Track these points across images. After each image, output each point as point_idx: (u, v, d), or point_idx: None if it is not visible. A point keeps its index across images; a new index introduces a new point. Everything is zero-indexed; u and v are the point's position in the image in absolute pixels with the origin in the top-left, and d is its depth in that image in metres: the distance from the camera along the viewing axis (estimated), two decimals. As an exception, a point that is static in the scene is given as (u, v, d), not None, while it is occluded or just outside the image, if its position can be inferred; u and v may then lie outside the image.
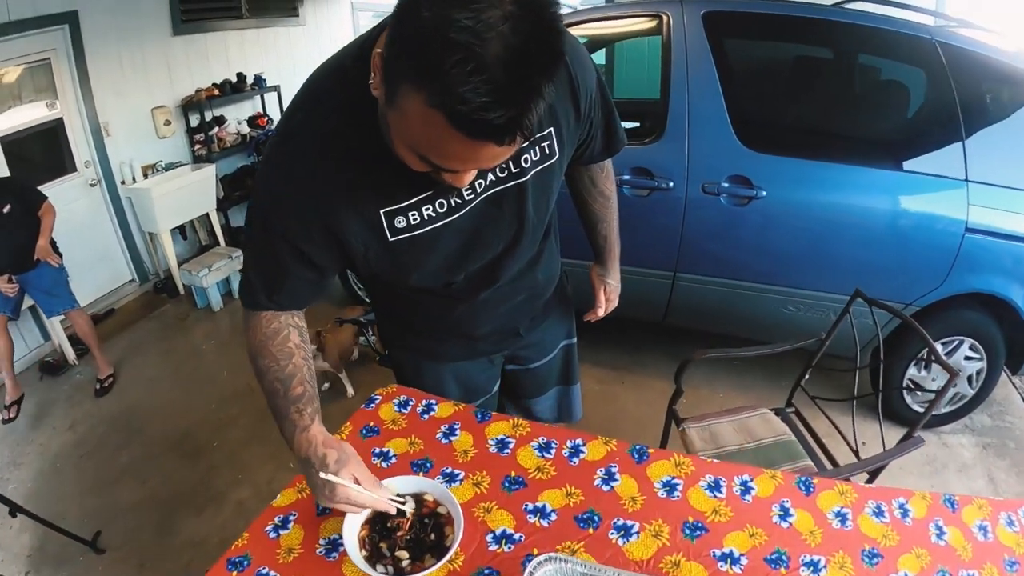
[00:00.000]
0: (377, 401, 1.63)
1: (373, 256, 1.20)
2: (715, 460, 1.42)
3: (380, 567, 1.15)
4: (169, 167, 5.55)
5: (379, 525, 1.22)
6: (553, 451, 1.44)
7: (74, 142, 4.94)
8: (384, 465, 1.44)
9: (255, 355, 1.25)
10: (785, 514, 1.27)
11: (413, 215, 1.15)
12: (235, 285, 5.18)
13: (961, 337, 2.97)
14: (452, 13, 0.73)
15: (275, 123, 6.37)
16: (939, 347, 2.91)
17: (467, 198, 1.19)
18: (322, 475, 1.10)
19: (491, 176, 1.19)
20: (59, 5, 4.56)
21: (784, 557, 1.18)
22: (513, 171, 1.21)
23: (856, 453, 2.13)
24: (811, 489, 1.33)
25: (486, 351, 1.69)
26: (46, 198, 3.96)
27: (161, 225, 5.17)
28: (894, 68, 3.06)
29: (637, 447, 1.44)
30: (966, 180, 2.70)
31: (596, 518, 1.27)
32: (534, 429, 1.51)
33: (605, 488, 1.34)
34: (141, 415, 3.80)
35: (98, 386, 4.10)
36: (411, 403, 1.61)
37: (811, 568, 1.16)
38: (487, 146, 0.82)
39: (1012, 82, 2.76)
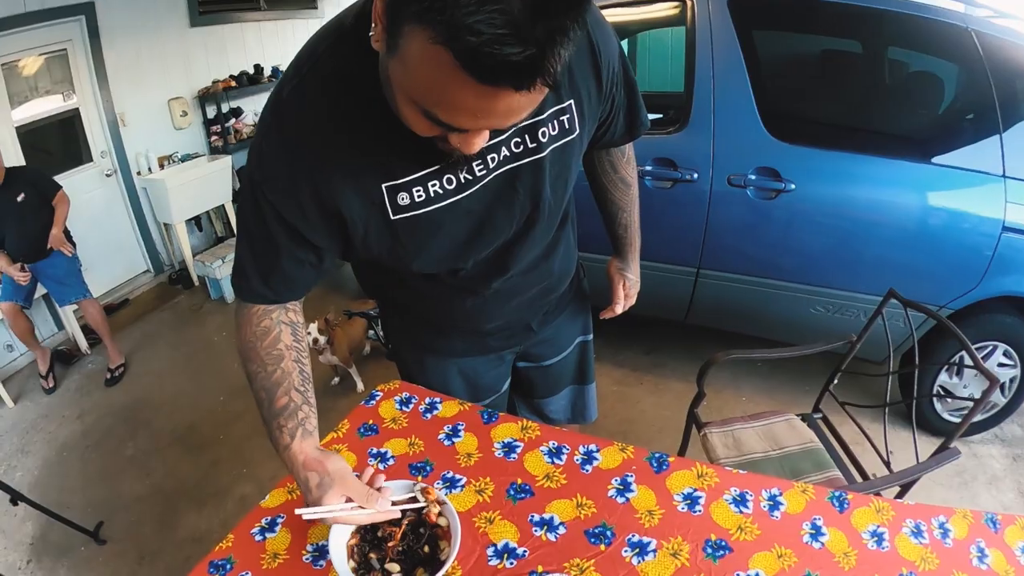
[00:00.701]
0: (378, 398, 1.51)
1: (373, 237, 1.08)
2: (740, 471, 1.28)
3: None
4: (185, 158, 5.50)
5: (370, 534, 1.10)
6: (564, 457, 1.31)
7: (90, 132, 4.90)
8: (381, 467, 1.32)
9: (243, 357, 1.14)
10: (817, 533, 1.14)
11: (418, 191, 1.03)
12: (250, 277, 5.10)
13: (995, 343, 2.78)
14: None
15: None
16: (957, 359, 2.75)
17: (478, 174, 1.06)
18: (298, 512, 1.04)
19: (505, 151, 1.07)
20: (75, -5, 4.49)
21: (815, 581, 1.04)
22: (529, 146, 1.08)
23: (887, 464, 1.98)
24: (845, 505, 1.19)
25: (496, 347, 1.56)
26: (61, 187, 3.95)
27: (176, 216, 5.11)
28: (927, 58, 2.90)
29: (656, 455, 1.30)
30: (1004, 176, 2.51)
31: (609, 533, 1.14)
32: (544, 432, 1.38)
33: (620, 500, 1.21)
34: (149, 407, 3.75)
35: (108, 376, 4.06)
36: (413, 401, 1.49)
37: (845, 595, 1.02)
38: (501, 94, 0.70)
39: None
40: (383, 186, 1.02)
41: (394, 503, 1.08)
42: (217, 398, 3.70)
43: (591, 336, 1.79)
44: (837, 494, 1.21)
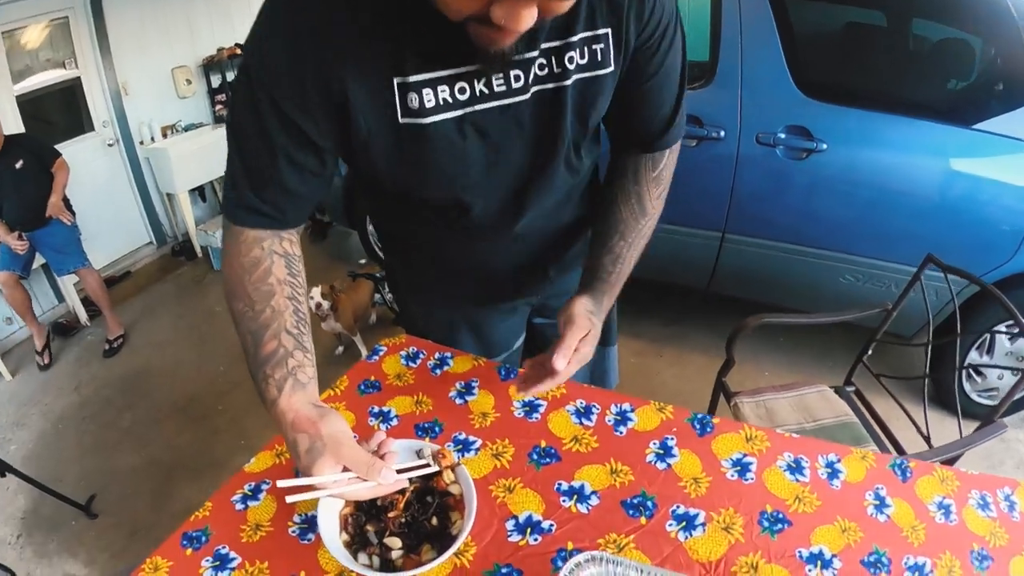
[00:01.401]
0: (381, 353, 1.32)
1: (377, 142, 0.92)
2: (793, 435, 1.09)
3: (363, 556, 0.85)
4: (189, 127, 5.32)
5: (367, 502, 0.90)
6: (594, 417, 1.12)
7: (92, 102, 4.73)
8: (383, 427, 1.13)
9: (229, 295, 0.96)
10: (881, 504, 0.96)
11: (428, 94, 0.88)
12: (254, 247, 4.96)
13: None
14: None
15: None
16: (1004, 328, 2.53)
17: (496, 89, 0.91)
18: (280, 484, 0.82)
19: (528, 73, 0.92)
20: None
21: (884, 560, 0.88)
22: (555, 70, 0.94)
23: (927, 439, 1.82)
24: (908, 474, 1.02)
25: (509, 295, 1.36)
26: (60, 154, 3.84)
27: (179, 186, 4.95)
28: (965, 19, 2.67)
29: (698, 416, 1.12)
30: None
31: (649, 504, 0.95)
32: (570, 390, 1.18)
33: (660, 465, 1.02)
34: (148, 377, 3.63)
35: (107, 347, 3.94)
36: (421, 356, 1.30)
37: (916, 574, 0.86)
38: None
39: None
40: (395, 81, 0.87)
41: (399, 471, 0.86)
42: (217, 368, 3.56)
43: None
44: (899, 461, 1.04)
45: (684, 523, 0.92)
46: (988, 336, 2.61)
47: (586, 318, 1.07)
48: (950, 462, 1.65)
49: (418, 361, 1.28)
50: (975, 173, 2.45)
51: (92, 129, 4.77)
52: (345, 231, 4.86)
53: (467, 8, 0.72)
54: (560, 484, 0.99)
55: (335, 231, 5.13)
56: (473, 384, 1.20)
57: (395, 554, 0.85)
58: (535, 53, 0.91)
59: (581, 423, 1.10)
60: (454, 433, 1.10)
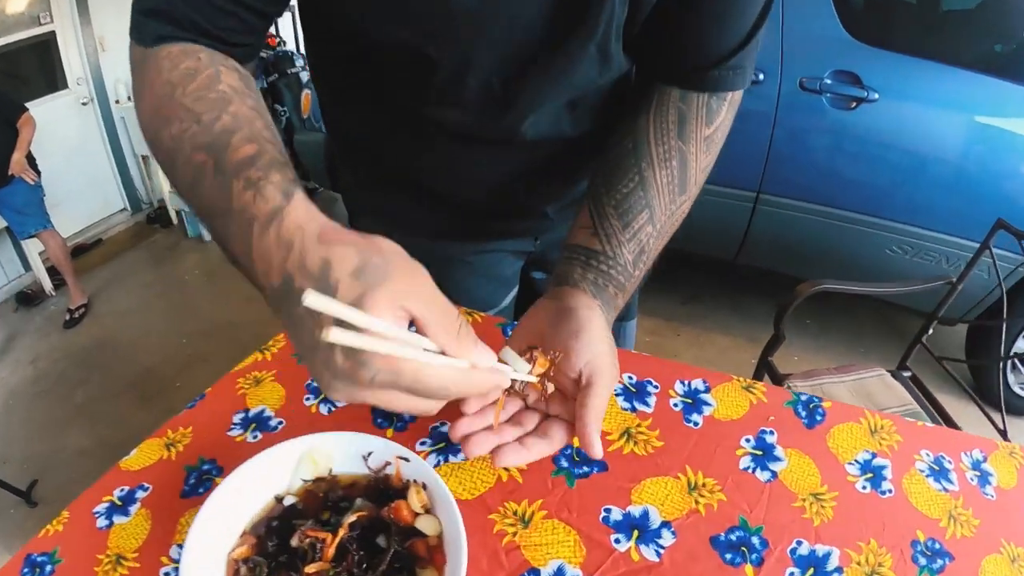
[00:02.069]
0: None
1: None
2: (923, 423, 0.71)
3: None
4: (168, 86, 4.91)
5: (276, 537, 0.51)
6: (652, 400, 0.72)
7: (66, 58, 4.37)
8: (323, 409, 0.75)
9: (153, 126, 0.57)
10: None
11: None
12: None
13: None
14: None
15: (286, 45, 5.88)
16: None
17: None
18: (310, 301, 0.38)
19: None
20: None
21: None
22: None
23: (1003, 434, 1.56)
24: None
25: (493, 232, 0.99)
26: (26, 109, 3.53)
27: (154, 147, 4.54)
28: None
29: (802, 397, 0.73)
30: None
31: (756, 540, 0.57)
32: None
33: (762, 476, 0.64)
34: (107, 349, 3.33)
35: (68, 317, 3.62)
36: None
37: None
38: None
39: None
40: None
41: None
42: (180, 340, 3.26)
43: None
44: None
45: (812, 569, 0.55)
46: None
47: (613, 362, 0.60)
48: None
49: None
50: None
51: (66, 87, 4.41)
52: (331, 197, 4.51)
53: None
54: (609, 511, 0.60)
55: (320, 197, 4.76)
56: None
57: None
58: None
59: (634, 408, 0.72)
60: (431, 424, 0.71)
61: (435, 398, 0.44)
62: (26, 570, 0.60)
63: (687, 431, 0.68)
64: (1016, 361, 2.44)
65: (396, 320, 0.41)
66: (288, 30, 5.93)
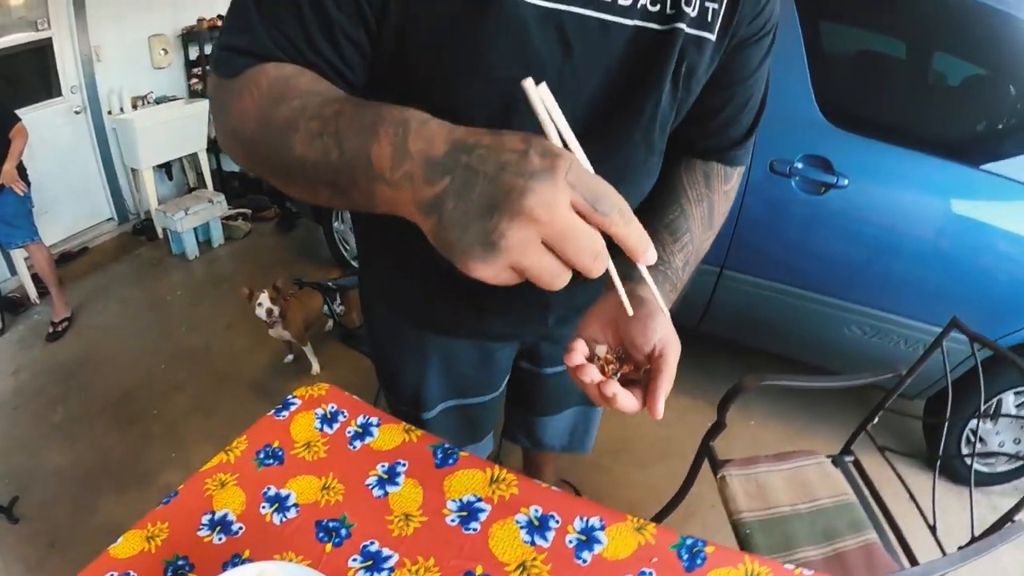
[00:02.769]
0: (293, 408, 1.04)
1: (428, 10, 0.68)
2: (806, 571, 0.81)
3: None
4: (161, 100, 5.03)
5: None
6: (551, 535, 0.84)
7: (62, 65, 4.45)
8: (276, 519, 0.86)
9: (268, 109, 0.63)
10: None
11: None
12: (215, 233, 4.69)
13: None
14: None
15: None
16: (1011, 396, 2.40)
17: None
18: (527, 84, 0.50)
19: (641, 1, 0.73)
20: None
21: None
22: (667, 11, 0.75)
23: (933, 529, 1.61)
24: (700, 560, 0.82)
25: (496, 333, 1.14)
26: (19, 119, 3.55)
27: (144, 161, 4.64)
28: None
29: (687, 541, 0.84)
30: None
31: None
32: (524, 490, 0.90)
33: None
34: (88, 367, 3.36)
35: (51, 330, 3.66)
36: (341, 418, 1.02)
37: None
38: None
39: None
40: None
41: None
42: (158, 364, 3.30)
43: None
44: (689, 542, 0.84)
45: None
46: (994, 402, 2.42)
47: (677, 339, 0.73)
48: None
49: (335, 426, 1.01)
50: (1009, 228, 2.25)
51: (59, 94, 4.49)
52: (313, 227, 4.55)
53: None
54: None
55: (303, 222, 4.84)
56: (399, 468, 0.93)
57: None
58: None
59: (533, 542, 0.83)
60: (363, 542, 0.82)
61: (588, 248, 0.49)
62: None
63: (576, 568, 0.79)
64: (970, 434, 2.48)
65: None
66: None
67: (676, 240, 0.88)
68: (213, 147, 5.31)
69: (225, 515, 0.87)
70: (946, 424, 1.75)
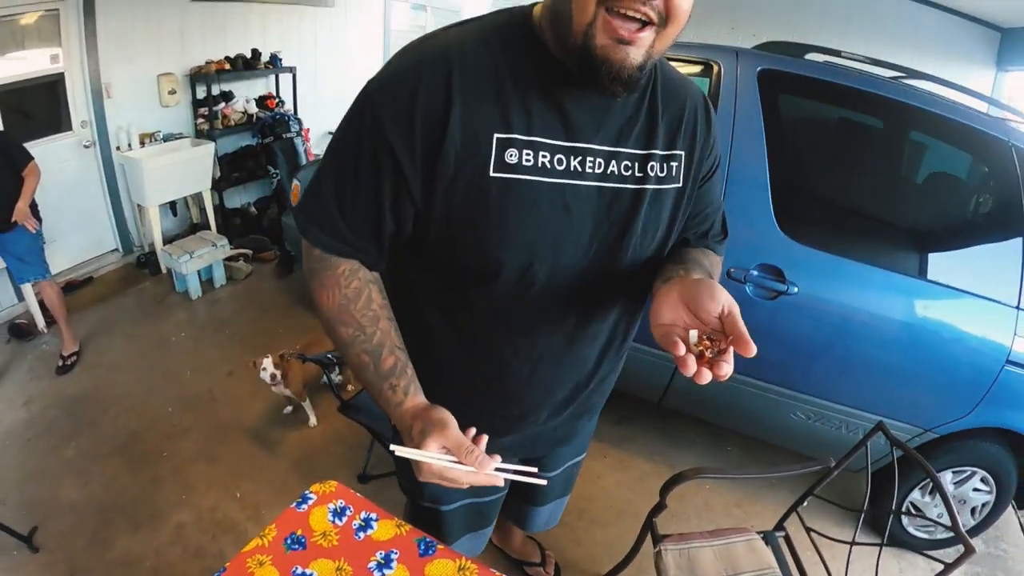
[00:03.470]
0: (310, 502, 1.41)
1: (461, 186, 1.03)
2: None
3: None
4: (168, 138, 5.34)
5: None
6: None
7: (73, 100, 4.76)
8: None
9: (334, 321, 1.14)
10: None
11: (528, 155, 1.03)
12: (217, 274, 5.00)
13: (974, 468, 2.70)
14: None
15: (285, 105, 6.29)
16: (949, 475, 2.71)
17: (587, 169, 1.08)
18: (393, 448, 1.04)
19: (614, 168, 1.10)
20: (73, -48, 4.36)
21: None
22: (636, 174, 1.12)
23: None
24: None
25: (508, 445, 1.43)
26: (32, 158, 3.79)
27: (150, 200, 4.97)
28: (956, 166, 2.85)
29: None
30: (1018, 308, 2.43)
31: None
32: (481, 578, 1.27)
33: None
34: (96, 404, 3.61)
35: (60, 363, 3.91)
36: (348, 513, 1.39)
37: None
38: None
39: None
40: (495, 136, 1.01)
41: (500, 469, 1.03)
42: (165, 408, 3.57)
43: (584, 455, 1.82)
44: None
45: None
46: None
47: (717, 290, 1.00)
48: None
49: (344, 518, 1.37)
50: (943, 329, 2.51)
51: (70, 128, 4.79)
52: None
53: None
54: None
55: (298, 269, 5.11)
56: (392, 557, 1.29)
57: None
58: (623, 148, 1.10)
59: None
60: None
61: (454, 481, 1.01)
62: None
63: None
64: (910, 505, 2.79)
65: (439, 450, 0.99)
66: (288, 91, 6.24)
67: (699, 266, 1.19)
68: (216, 185, 5.61)
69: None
70: (862, 513, 1.98)
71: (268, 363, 3.13)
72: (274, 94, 6.31)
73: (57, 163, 4.57)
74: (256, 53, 5.91)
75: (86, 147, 4.90)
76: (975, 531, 2.85)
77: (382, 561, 1.28)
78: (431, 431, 1.00)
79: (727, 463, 3.36)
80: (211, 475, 3.08)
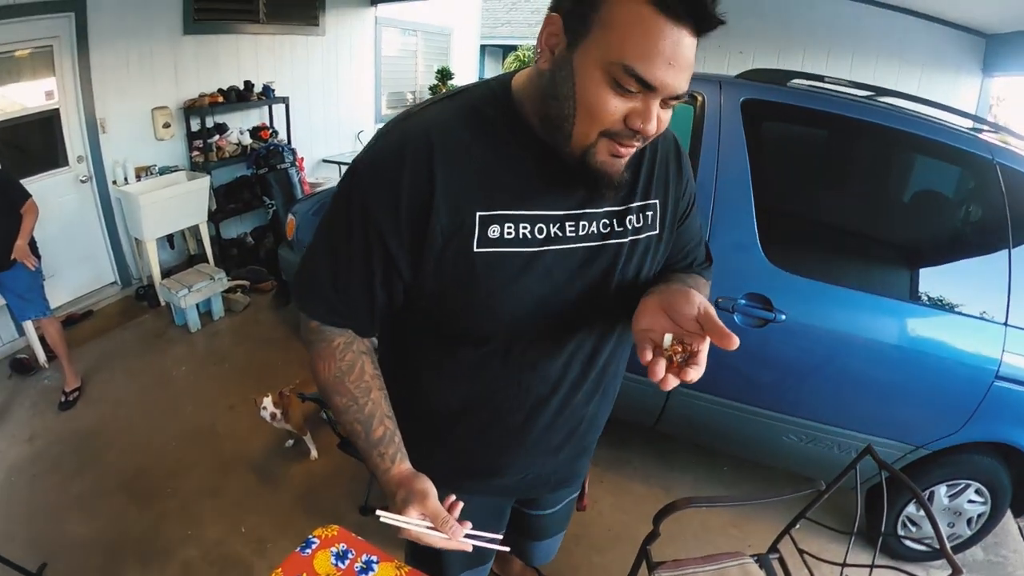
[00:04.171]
0: (314, 546, 1.50)
1: (449, 261, 1.10)
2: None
3: None
4: (164, 171, 5.44)
5: None
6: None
7: (68, 136, 4.85)
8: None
9: (330, 391, 1.23)
10: None
11: (509, 228, 1.10)
12: (215, 306, 5.09)
13: (968, 481, 2.73)
14: None
15: (279, 136, 6.39)
16: (943, 488, 2.76)
17: (568, 233, 1.15)
18: (379, 514, 1.11)
19: (594, 227, 1.17)
20: (66, -10, 4.46)
21: None
22: (616, 229, 1.20)
23: None
24: None
25: (507, 489, 1.54)
26: (30, 196, 3.84)
27: (147, 234, 5.06)
28: (941, 184, 2.88)
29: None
30: (1005, 324, 2.45)
31: None
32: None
33: None
34: (100, 440, 3.68)
35: (63, 399, 3.98)
36: (350, 556, 1.47)
37: None
38: (684, 38, 0.92)
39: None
40: (477, 214, 1.08)
41: (469, 536, 1.13)
42: (169, 443, 3.63)
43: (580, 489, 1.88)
44: None
45: None
46: (929, 492, 2.75)
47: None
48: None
49: (346, 561, 1.46)
50: (931, 349, 2.53)
51: (66, 164, 4.88)
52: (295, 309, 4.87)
53: (611, 111, 0.96)
54: None
55: (291, 306, 5.17)
56: (393, 598, 1.39)
57: None
58: (602, 210, 1.17)
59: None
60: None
61: (432, 546, 1.10)
62: None
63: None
64: (905, 519, 2.84)
65: (417, 516, 1.09)
66: (281, 121, 6.33)
67: (669, 280, 1.27)
68: (213, 217, 5.70)
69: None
70: (852, 536, 1.98)
71: (268, 402, 3.21)
72: (268, 125, 6.41)
73: (55, 198, 4.66)
74: (249, 85, 6.02)
75: (83, 182, 4.99)
76: (972, 541, 2.91)
77: (383, 602, 1.38)
78: (412, 500, 1.09)
79: (723, 484, 3.41)
80: (216, 509, 3.13)
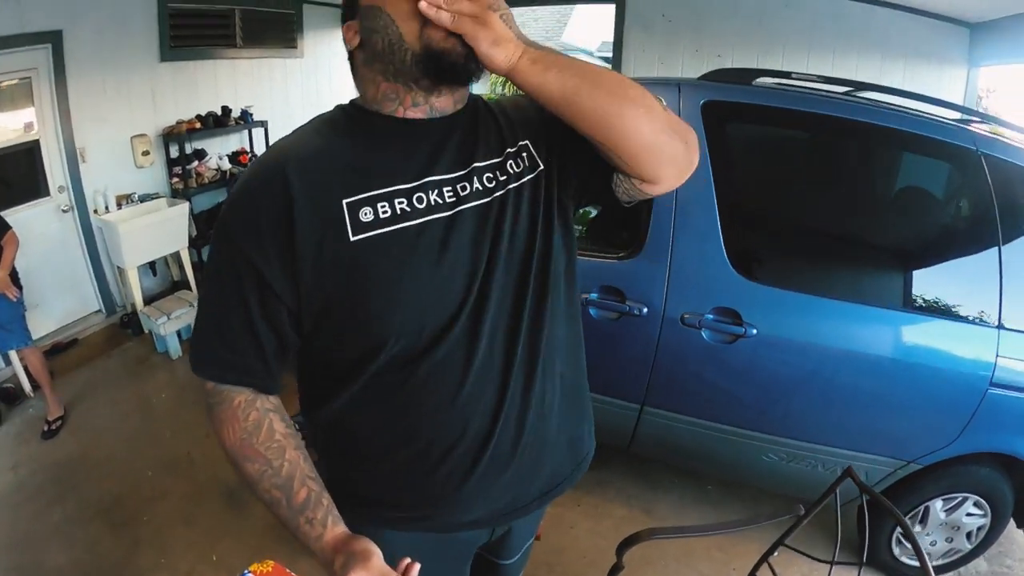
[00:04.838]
0: (245, 585, 1.58)
1: (328, 265, 1.04)
2: None
3: None
4: (144, 198, 5.50)
5: None
6: None
7: (49, 166, 4.92)
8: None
9: (238, 458, 1.11)
10: None
11: (383, 207, 1.06)
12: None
13: (966, 494, 2.62)
14: None
15: None
16: (939, 503, 2.66)
17: (448, 199, 1.10)
18: None
19: (477, 184, 1.14)
20: (43, 23, 4.55)
21: None
22: (500, 179, 1.16)
23: None
24: None
25: (468, 470, 1.26)
26: (10, 228, 3.92)
27: (128, 261, 5.10)
28: (923, 179, 2.78)
29: None
30: (998, 327, 2.34)
31: None
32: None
33: None
34: (81, 468, 3.74)
35: (46, 427, 4.04)
36: (283, 592, 1.56)
37: None
38: None
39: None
40: (343, 202, 1.04)
41: None
42: (145, 471, 3.68)
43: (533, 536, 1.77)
44: None
45: None
46: (922, 508, 2.69)
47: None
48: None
49: (279, 598, 1.55)
50: (918, 357, 2.44)
51: (47, 194, 4.95)
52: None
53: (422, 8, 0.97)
54: None
55: None
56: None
57: None
58: (484, 163, 1.15)
59: None
60: None
61: None
62: None
63: None
64: (899, 537, 2.77)
65: None
66: (260, 146, 6.40)
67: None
68: (194, 243, 5.77)
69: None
70: (832, 565, 1.88)
71: None
72: (247, 149, 6.49)
73: (38, 228, 4.74)
74: (226, 110, 6.09)
75: (64, 211, 5.06)
76: (974, 554, 2.83)
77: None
78: (354, 563, 0.98)
79: (709, 503, 3.38)
80: (188, 538, 3.18)
